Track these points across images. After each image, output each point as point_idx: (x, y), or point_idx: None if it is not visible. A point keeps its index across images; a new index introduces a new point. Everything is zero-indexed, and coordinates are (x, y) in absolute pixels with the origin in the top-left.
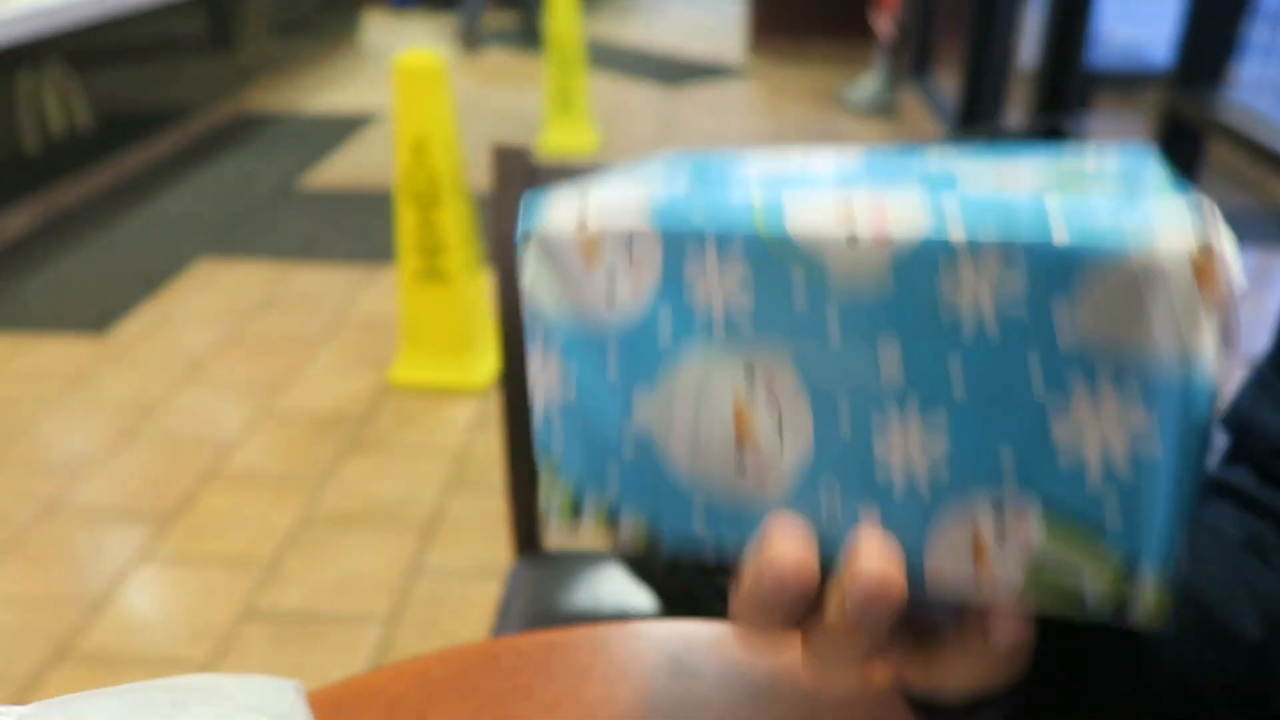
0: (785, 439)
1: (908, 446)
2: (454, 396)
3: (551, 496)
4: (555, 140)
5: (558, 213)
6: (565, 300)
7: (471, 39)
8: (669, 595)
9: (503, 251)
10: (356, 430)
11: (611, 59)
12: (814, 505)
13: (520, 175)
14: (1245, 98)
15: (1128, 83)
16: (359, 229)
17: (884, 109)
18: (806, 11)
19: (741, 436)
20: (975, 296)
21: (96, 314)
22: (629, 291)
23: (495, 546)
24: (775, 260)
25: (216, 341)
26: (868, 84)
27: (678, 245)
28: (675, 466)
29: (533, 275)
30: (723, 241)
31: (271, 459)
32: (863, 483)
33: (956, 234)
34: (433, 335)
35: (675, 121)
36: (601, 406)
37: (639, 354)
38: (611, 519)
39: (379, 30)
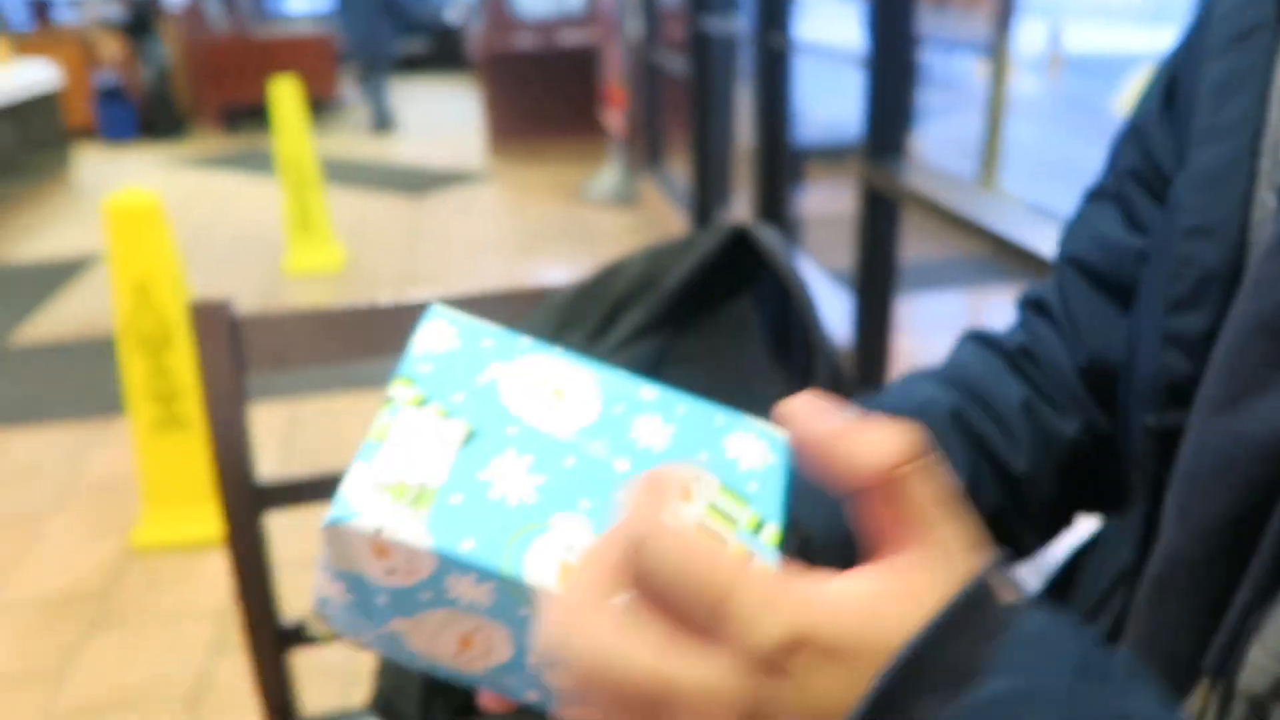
0: (492, 654)
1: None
2: (208, 551)
3: (318, 627)
4: (299, 261)
5: (361, 507)
6: (351, 561)
7: (382, 122)
8: None
9: (213, 409)
10: (99, 606)
11: (351, 174)
12: (503, 681)
13: (223, 328)
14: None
15: (835, 154)
16: (83, 383)
17: (625, 199)
18: (541, 113)
19: (463, 647)
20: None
21: None
22: (403, 576)
23: None
24: (510, 588)
25: None
26: (607, 177)
27: (448, 564)
28: (414, 647)
29: (328, 545)
30: (480, 575)
31: (1, 654)
32: (531, 673)
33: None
34: (178, 487)
35: (423, 230)
36: (366, 613)
37: (402, 601)
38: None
39: (92, 166)
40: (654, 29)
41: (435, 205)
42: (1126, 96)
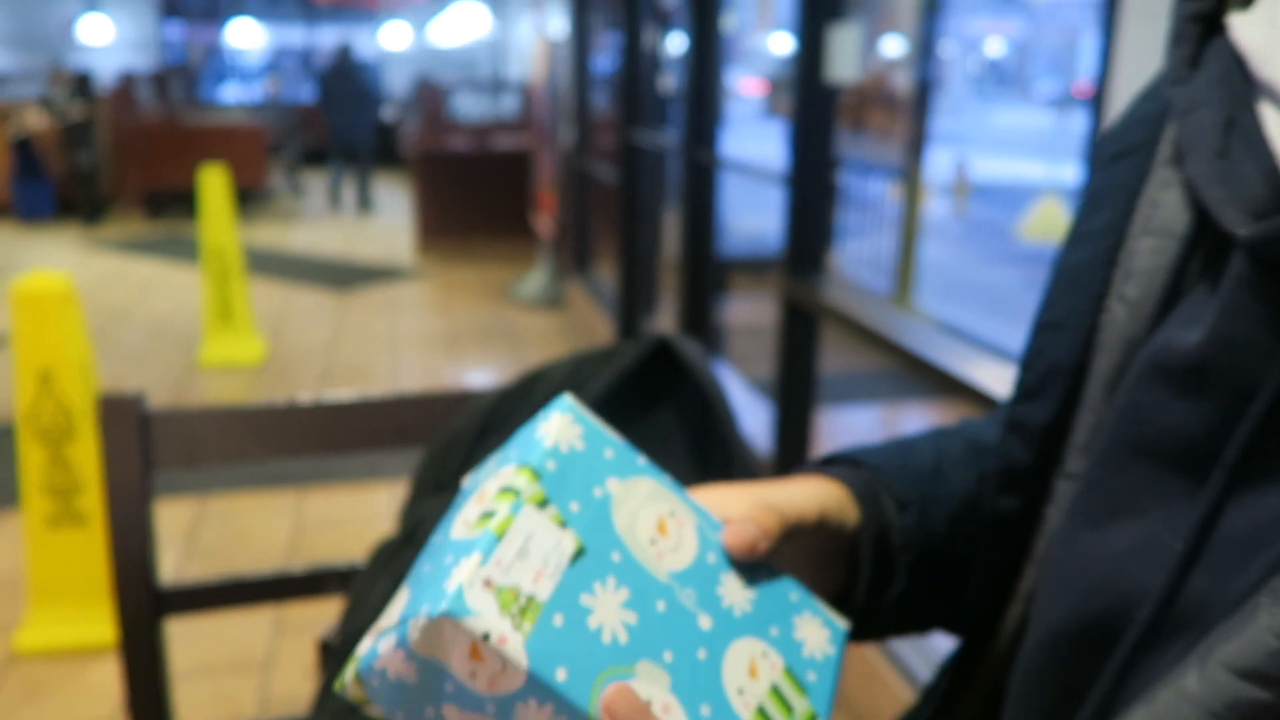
0: None
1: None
2: (98, 656)
3: (354, 692)
4: (216, 352)
5: (475, 606)
6: (439, 651)
7: (364, 203)
8: None
9: (116, 507)
10: None
11: (275, 266)
12: None
13: (132, 423)
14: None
15: (757, 266)
16: None
17: (552, 301)
18: (471, 213)
19: None
20: None
21: None
22: (483, 683)
23: None
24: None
25: None
26: (535, 279)
27: (535, 688)
28: None
29: (422, 632)
30: (560, 708)
31: None
32: None
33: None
34: (70, 587)
35: (347, 325)
36: (423, 695)
37: (468, 699)
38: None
39: (3, 244)
40: (585, 138)
41: (361, 300)
42: (1029, 223)
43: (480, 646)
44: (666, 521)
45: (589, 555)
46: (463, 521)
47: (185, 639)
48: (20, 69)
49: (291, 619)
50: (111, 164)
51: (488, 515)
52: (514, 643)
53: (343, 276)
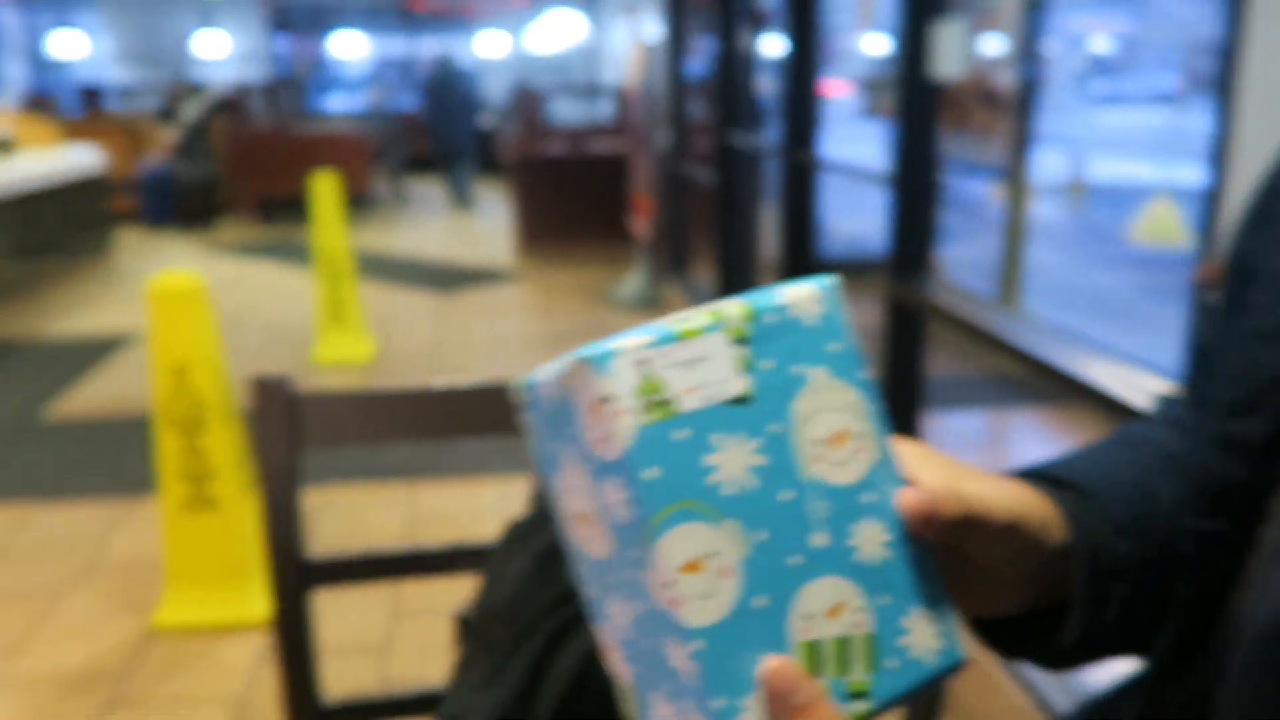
0: (589, 545)
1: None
2: (230, 635)
3: (516, 395)
4: (329, 352)
5: (617, 371)
6: (572, 391)
7: (466, 201)
8: None
9: (269, 484)
10: (115, 687)
11: (382, 268)
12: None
13: (281, 404)
14: (954, 275)
15: (857, 269)
16: (113, 461)
17: (649, 303)
18: (570, 217)
19: (579, 522)
20: None
21: None
22: (593, 439)
23: None
24: (638, 533)
25: None
26: (632, 282)
27: (623, 470)
28: (557, 480)
29: (571, 368)
30: (633, 500)
31: None
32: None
33: None
34: (203, 568)
35: (450, 327)
36: (556, 426)
37: (581, 448)
38: None
39: (132, 249)
40: (682, 141)
41: (463, 302)
42: (1140, 225)
43: (599, 406)
44: (846, 437)
45: (749, 409)
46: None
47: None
48: (141, 83)
49: (408, 603)
50: (227, 172)
51: (683, 320)
52: (627, 421)
53: (445, 279)
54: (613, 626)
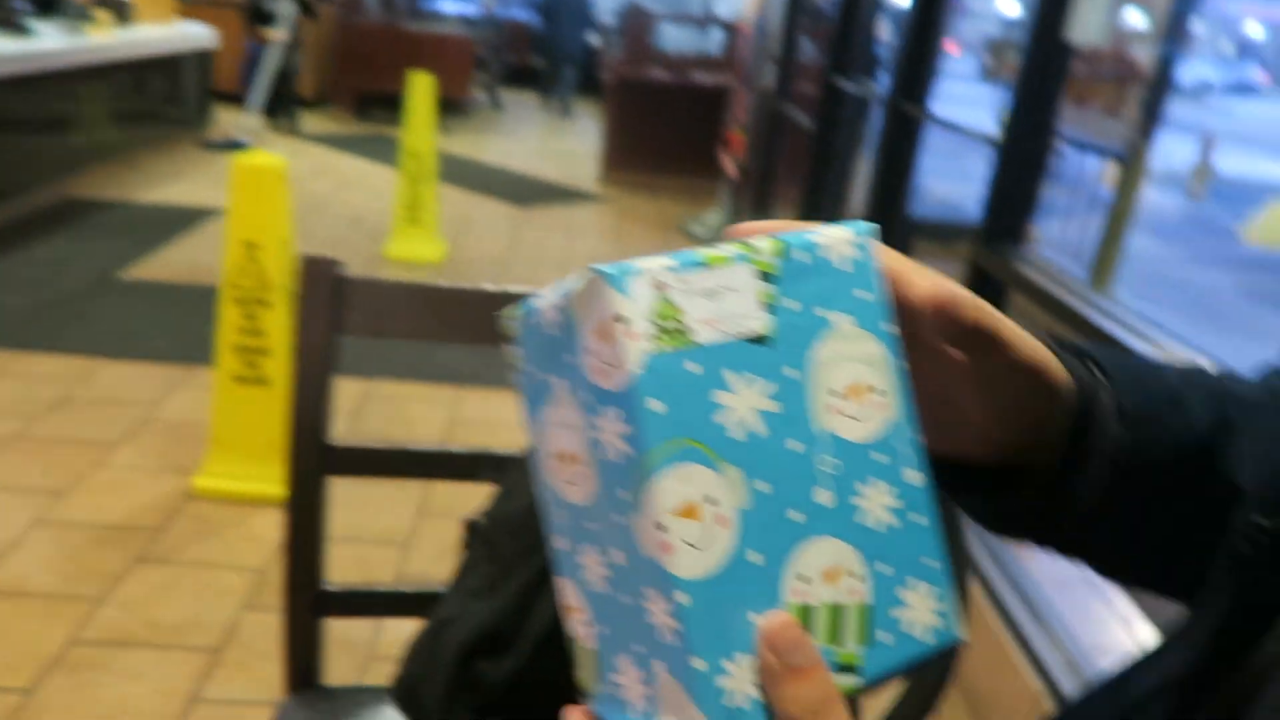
0: (572, 489)
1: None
2: (263, 508)
3: (507, 323)
4: (401, 249)
5: (633, 292)
6: (579, 310)
7: (564, 109)
8: None
9: (302, 362)
10: (149, 541)
11: (465, 174)
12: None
13: (328, 284)
14: (1043, 253)
15: (945, 233)
16: (181, 326)
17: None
18: (661, 145)
19: (560, 460)
20: None
21: None
22: (594, 367)
23: None
24: (635, 471)
25: None
26: (712, 218)
27: (626, 401)
28: (542, 415)
29: (583, 286)
30: (633, 436)
31: (46, 571)
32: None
33: None
34: (245, 441)
35: (523, 240)
36: (548, 355)
37: (573, 375)
38: None
39: (232, 128)
40: (786, 80)
41: (540, 218)
42: (1257, 225)
43: (610, 327)
44: (866, 391)
45: (767, 349)
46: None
47: (339, 505)
48: None
49: (436, 503)
50: (332, 64)
51: (711, 248)
52: (639, 346)
53: (526, 193)
54: (581, 582)
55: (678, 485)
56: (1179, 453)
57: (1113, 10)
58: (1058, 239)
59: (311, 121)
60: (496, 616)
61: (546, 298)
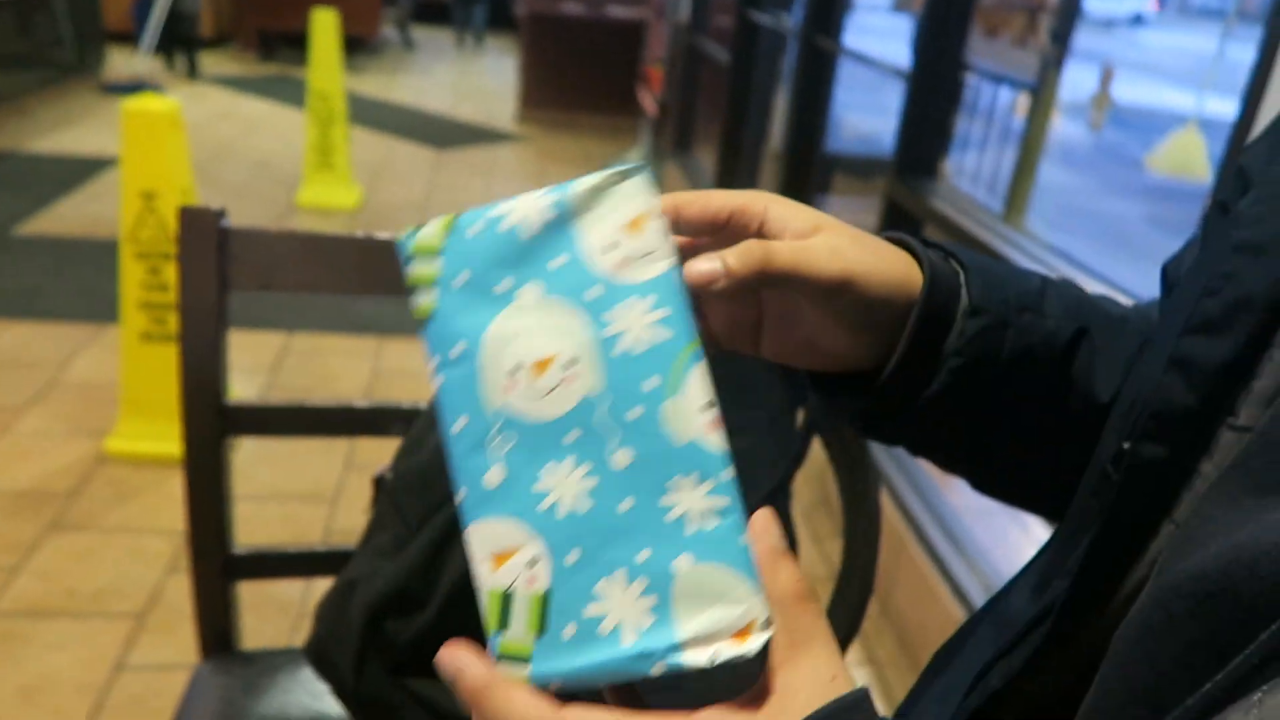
0: (567, 396)
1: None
2: (180, 469)
3: (420, 236)
4: (314, 195)
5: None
6: (594, 211)
7: (477, 44)
8: (359, 700)
9: (190, 320)
10: (63, 508)
11: (378, 116)
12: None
13: (211, 237)
14: (959, 186)
15: (865, 168)
16: (84, 283)
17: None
18: (577, 83)
19: (538, 370)
20: None
21: None
22: (614, 261)
23: None
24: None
25: None
26: (633, 156)
27: (666, 281)
28: (493, 328)
29: (615, 178)
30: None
31: None
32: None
33: None
34: (157, 400)
35: (442, 182)
36: (516, 259)
37: (565, 278)
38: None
39: (125, 69)
40: (702, 14)
41: (458, 160)
42: (1162, 154)
43: (646, 220)
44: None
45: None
46: None
47: (264, 464)
48: None
49: (362, 456)
50: (227, 8)
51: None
52: (670, 241)
53: (443, 134)
54: (535, 513)
55: (702, 383)
56: (1033, 354)
57: None
58: (972, 171)
59: (213, 62)
60: (405, 576)
61: (523, 199)
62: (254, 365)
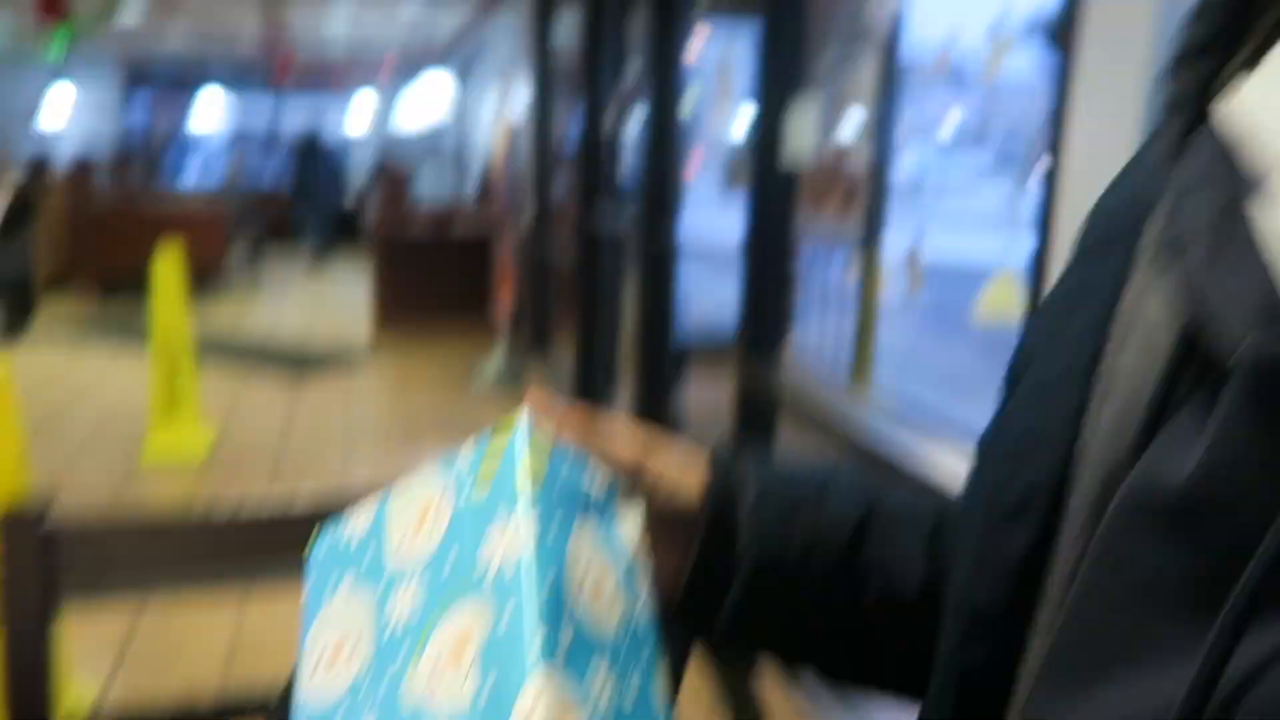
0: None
1: None
2: None
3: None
4: (161, 444)
5: None
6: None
7: (320, 257)
8: None
9: (14, 636)
10: None
11: (229, 352)
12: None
13: (31, 545)
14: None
15: (720, 352)
16: None
17: (510, 382)
18: (430, 298)
19: (335, 654)
20: None
21: None
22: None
23: None
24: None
25: None
26: (494, 361)
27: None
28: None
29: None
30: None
31: None
32: None
33: None
34: None
35: (300, 414)
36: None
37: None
38: None
39: None
40: (544, 219)
41: (315, 389)
42: (982, 303)
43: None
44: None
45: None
46: None
47: None
48: None
49: None
50: (64, 250)
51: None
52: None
53: (298, 362)
54: None
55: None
56: (823, 545)
57: (817, 126)
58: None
59: (51, 305)
60: None
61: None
62: (103, 644)
